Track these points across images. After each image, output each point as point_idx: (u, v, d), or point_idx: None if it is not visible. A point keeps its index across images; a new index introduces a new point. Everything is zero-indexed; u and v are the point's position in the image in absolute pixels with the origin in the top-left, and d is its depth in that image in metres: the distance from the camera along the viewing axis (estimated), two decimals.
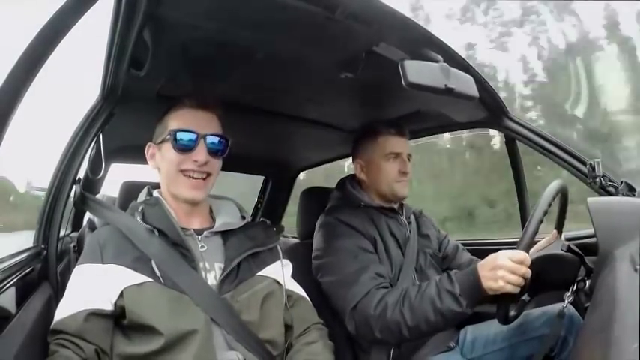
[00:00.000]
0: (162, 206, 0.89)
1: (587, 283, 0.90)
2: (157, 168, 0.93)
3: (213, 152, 0.89)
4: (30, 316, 0.74)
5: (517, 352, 1.05)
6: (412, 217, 1.31)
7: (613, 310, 0.54)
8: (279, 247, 0.98)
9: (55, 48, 0.62)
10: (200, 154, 0.87)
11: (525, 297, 0.94)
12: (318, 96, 1.18)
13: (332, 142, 1.55)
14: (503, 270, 0.84)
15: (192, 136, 0.87)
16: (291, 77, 1.03)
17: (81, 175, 1.07)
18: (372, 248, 1.12)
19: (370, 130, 1.26)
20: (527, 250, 0.86)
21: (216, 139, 0.90)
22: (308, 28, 0.76)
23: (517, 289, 0.84)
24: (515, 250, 0.86)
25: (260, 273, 0.90)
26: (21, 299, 0.79)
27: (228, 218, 0.96)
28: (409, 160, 1.24)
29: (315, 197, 1.43)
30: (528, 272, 0.85)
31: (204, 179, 0.90)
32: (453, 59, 0.84)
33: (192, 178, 0.88)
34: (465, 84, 0.79)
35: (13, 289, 0.75)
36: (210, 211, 0.98)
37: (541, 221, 0.87)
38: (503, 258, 0.85)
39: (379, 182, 1.22)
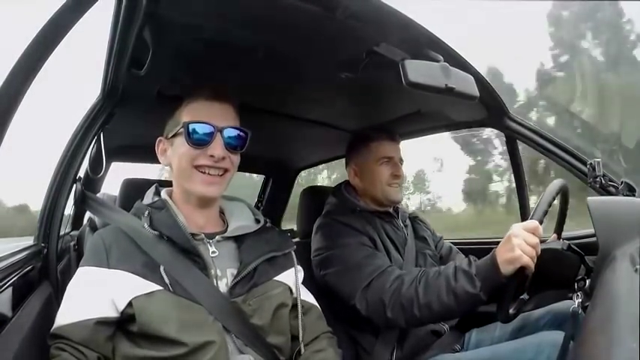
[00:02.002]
0: (170, 210, 0.84)
1: (587, 282, 0.90)
2: (169, 164, 0.89)
3: (231, 146, 0.84)
4: (30, 315, 0.74)
5: None
6: (408, 221, 1.32)
7: (613, 310, 0.54)
8: (293, 253, 0.95)
9: (55, 48, 0.62)
10: (217, 148, 0.82)
11: (524, 296, 0.94)
12: (318, 96, 1.18)
13: (332, 141, 1.55)
14: (519, 238, 0.84)
15: (208, 129, 0.82)
16: (291, 77, 1.03)
17: (81, 173, 1.07)
18: (372, 246, 1.13)
19: (362, 135, 1.29)
20: (539, 222, 0.86)
21: (234, 132, 0.84)
22: (308, 28, 0.76)
23: (532, 264, 0.84)
24: (527, 220, 0.86)
25: (276, 278, 0.87)
26: (21, 298, 0.79)
27: (241, 221, 0.91)
28: (401, 163, 1.26)
29: (315, 196, 1.43)
30: (539, 245, 0.84)
31: (220, 175, 0.85)
32: (454, 59, 0.84)
33: (208, 174, 0.84)
34: (466, 83, 0.79)
35: (12, 288, 0.75)
36: (222, 213, 0.95)
37: (551, 203, 0.87)
38: (517, 228, 0.86)
39: (373, 186, 1.23)
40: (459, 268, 0.92)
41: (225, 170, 0.86)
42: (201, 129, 0.82)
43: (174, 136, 0.86)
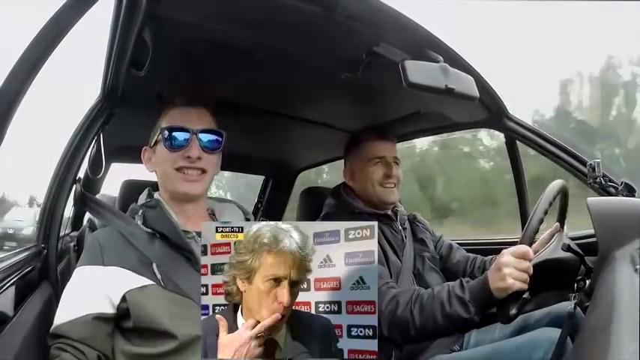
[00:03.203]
0: (162, 208, 0.86)
1: (588, 283, 0.90)
2: (154, 170, 0.92)
3: (207, 148, 0.87)
4: (30, 316, 0.74)
5: None
6: (407, 223, 1.31)
7: (613, 310, 0.54)
8: None
9: (56, 48, 0.62)
10: (192, 149, 0.85)
11: (526, 296, 0.94)
12: (318, 96, 1.18)
13: (332, 142, 1.55)
14: (509, 267, 0.83)
15: (185, 134, 0.86)
16: (291, 77, 1.03)
17: (81, 174, 1.07)
18: None
19: (354, 136, 1.28)
20: (529, 245, 0.85)
21: (209, 135, 0.88)
22: (308, 29, 0.77)
23: (524, 286, 0.83)
24: (517, 246, 0.86)
25: None
26: (21, 298, 0.79)
27: (231, 220, 0.93)
28: (396, 164, 1.24)
29: (314, 197, 1.43)
30: (530, 267, 0.84)
31: (199, 174, 0.88)
32: (454, 59, 0.84)
33: (187, 173, 0.87)
34: (465, 84, 0.79)
35: (13, 288, 0.75)
36: (213, 214, 0.97)
37: (542, 220, 0.86)
38: (506, 255, 0.85)
39: (365, 187, 1.22)
40: (452, 292, 0.92)
41: (203, 170, 0.88)
42: (179, 134, 0.86)
43: (155, 143, 0.90)
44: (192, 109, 0.89)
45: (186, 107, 0.89)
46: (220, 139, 0.90)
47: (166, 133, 0.86)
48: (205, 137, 0.87)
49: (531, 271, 0.84)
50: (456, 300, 0.90)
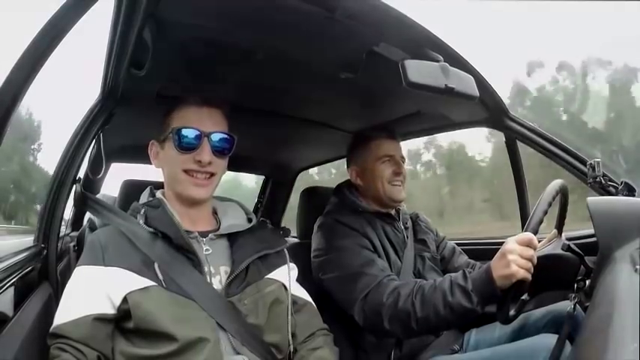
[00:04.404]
0: (165, 208, 0.86)
1: (587, 283, 0.90)
2: (161, 167, 0.91)
3: (218, 151, 0.87)
4: (30, 316, 0.74)
5: None
6: (409, 223, 1.32)
7: (613, 310, 0.54)
8: (286, 251, 0.96)
9: (55, 48, 0.62)
10: (204, 153, 0.85)
11: (525, 297, 0.94)
12: (318, 96, 1.18)
13: (332, 142, 1.55)
14: (513, 254, 0.83)
15: (196, 134, 0.85)
16: (291, 77, 1.03)
17: (81, 174, 1.07)
18: (372, 248, 1.13)
19: (362, 136, 1.29)
20: (534, 232, 0.84)
21: (221, 137, 0.87)
22: (308, 29, 0.77)
23: (528, 276, 0.83)
24: (522, 233, 0.85)
25: (269, 276, 0.88)
26: (21, 299, 0.79)
27: (233, 220, 0.93)
28: (402, 162, 1.25)
29: (315, 197, 1.43)
30: (534, 256, 0.84)
31: (207, 178, 0.88)
32: (454, 59, 0.84)
33: (196, 177, 0.86)
34: (466, 84, 0.79)
35: (12, 289, 0.75)
36: (215, 213, 0.96)
37: (546, 211, 0.86)
38: (511, 243, 0.85)
39: (375, 186, 1.23)
40: (454, 282, 0.92)
41: (212, 174, 0.88)
42: (189, 134, 0.85)
43: (164, 140, 0.89)
44: (205, 109, 0.88)
45: (200, 107, 0.88)
46: (232, 142, 0.89)
47: (177, 132, 0.85)
48: (217, 141, 0.87)
49: (535, 260, 0.84)
50: (458, 289, 0.90)
